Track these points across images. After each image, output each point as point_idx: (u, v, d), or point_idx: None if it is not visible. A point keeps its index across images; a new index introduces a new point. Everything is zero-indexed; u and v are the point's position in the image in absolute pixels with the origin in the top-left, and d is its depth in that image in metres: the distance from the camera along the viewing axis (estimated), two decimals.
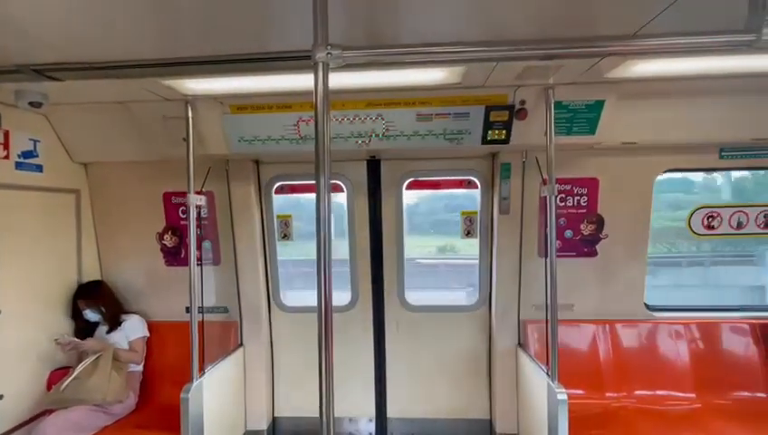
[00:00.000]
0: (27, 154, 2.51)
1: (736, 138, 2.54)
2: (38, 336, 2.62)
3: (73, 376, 2.49)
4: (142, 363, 2.88)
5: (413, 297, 3.16)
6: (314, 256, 1.11)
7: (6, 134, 2.37)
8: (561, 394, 2.11)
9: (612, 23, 1.50)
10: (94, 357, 2.59)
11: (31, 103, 2.16)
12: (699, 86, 2.25)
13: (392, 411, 3.21)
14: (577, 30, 1.56)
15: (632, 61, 1.84)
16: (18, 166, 2.46)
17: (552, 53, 1.46)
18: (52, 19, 1.41)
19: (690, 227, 2.88)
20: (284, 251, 3.26)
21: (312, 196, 3.30)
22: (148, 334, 2.93)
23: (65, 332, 2.73)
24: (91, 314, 2.79)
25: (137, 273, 3.11)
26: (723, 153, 2.72)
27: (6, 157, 2.38)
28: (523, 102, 2.33)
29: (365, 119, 2.41)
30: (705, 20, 1.43)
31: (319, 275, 1.11)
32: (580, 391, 2.70)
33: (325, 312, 1.11)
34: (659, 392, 2.71)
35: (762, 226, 2.83)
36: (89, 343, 2.64)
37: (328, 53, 1.06)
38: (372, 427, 3.22)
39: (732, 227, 2.85)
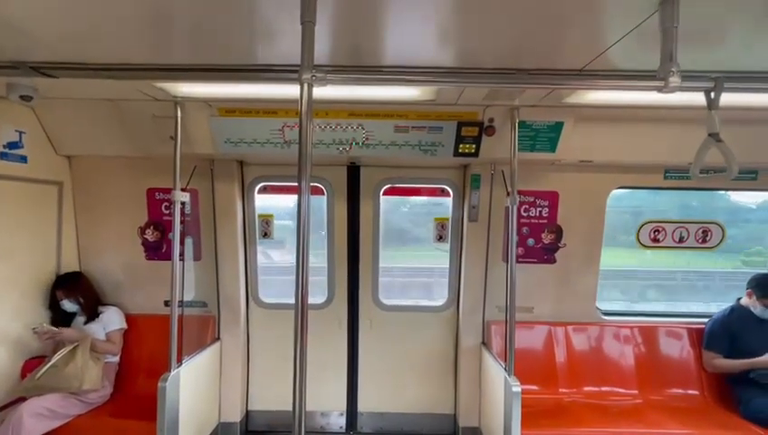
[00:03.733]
0: (12, 145, 2.56)
1: (677, 161, 2.85)
2: (14, 325, 2.64)
3: (50, 364, 2.53)
4: (119, 355, 2.93)
5: (386, 298, 3.34)
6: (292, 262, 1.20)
7: None
8: (516, 387, 2.32)
9: (564, 59, 1.74)
10: (71, 347, 2.63)
11: (22, 97, 2.21)
12: (642, 114, 2.52)
13: (363, 406, 3.36)
14: (536, 61, 1.79)
15: (582, 90, 2.10)
16: (2, 156, 2.50)
17: (510, 81, 1.68)
18: (50, 18, 1.48)
19: (639, 239, 3.19)
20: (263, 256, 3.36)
21: (293, 197, 3.46)
22: (125, 326, 2.98)
23: (42, 321, 2.76)
24: (68, 305, 2.83)
25: (116, 266, 3.16)
26: (667, 174, 3.04)
27: None
28: (491, 120, 2.56)
29: (346, 127, 2.58)
30: (635, 61, 1.68)
31: (297, 272, 1.23)
32: (535, 387, 2.93)
33: (302, 308, 1.22)
34: (605, 389, 2.98)
35: (700, 241, 3.16)
36: (66, 332, 2.69)
37: (313, 75, 1.23)
38: (343, 421, 3.36)
39: (674, 241, 3.17)
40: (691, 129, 2.62)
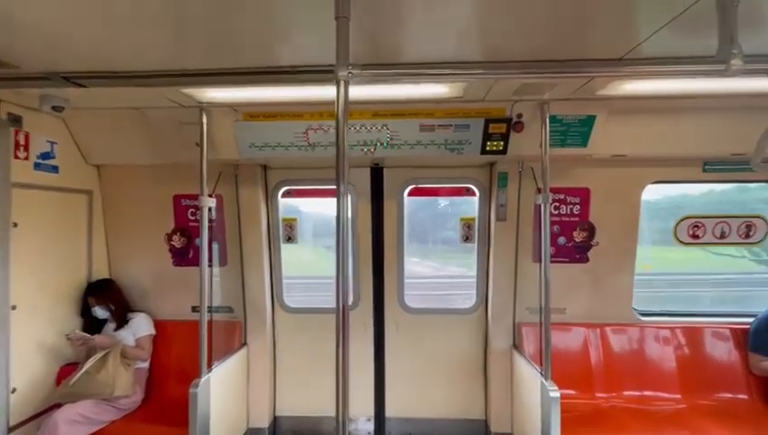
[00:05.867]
0: (45, 155, 2.61)
1: (717, 152, 2.71)
2: (49, 332, 2.69)
3: (83, 370, 2.56)
4: (149, 360, 2.96)
5: (412, 301, 3.28)
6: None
7: (27, 136, 2.47)
8: (554, 392, 2.22)
9: (602, 47, 1.66)
10: (103, 353, 2.66)
11: (54, 107, 2.27)
12: (683, 104, 2.41)
13: (390, 411, 3.30)
14: (570, 52, 1.71)
15: (620, 81, 2.00)
16: (36, 166, 2.56)
17: (544, 74, 1.61)
18: (80, 28, 1.51)
19: (676, 236, 3.04)
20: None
21: (316, 200, 3.44)
22: (154, 332, 3.01)
23: (74, 328, 2.81)
24: (99, 312, 2.87)
25: (145, 272, 3.19)
26: (706, 167, 2.89)
27: (26, 158, 2.47)
28: (520, 116, 2.48)
29: (371, 128, 2.55)
30: (684, 46, 1.59)
31: (337, 276, 1.20)
32: (571, 392, 2.82)
33: (343, 312, 1.18)
34: (647, 393, 2.84)
35: (743, 236, 3.00)
36: (98, 339, 2.72)
37: (349, 72, 1.19)
38: (371, 426, 3.30)
39: (715, 237, 3.02)
40: (733, 117, 2.51)
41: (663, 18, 1.38)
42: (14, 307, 2.41)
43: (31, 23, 1.44)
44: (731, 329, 2.93)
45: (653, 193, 3.03)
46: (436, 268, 4.85)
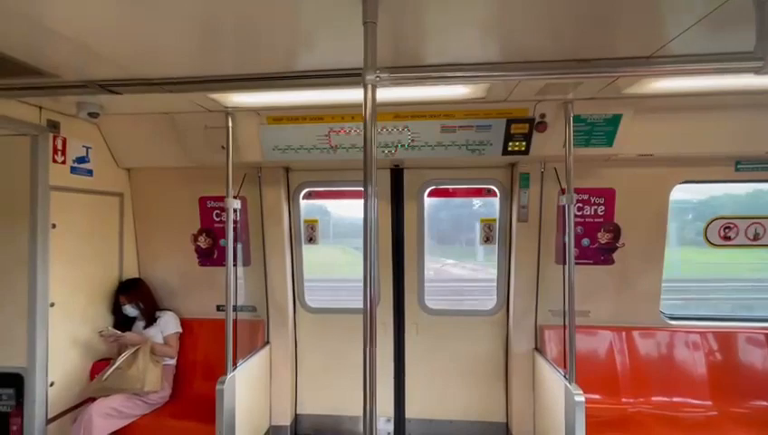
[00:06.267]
0: (80, 159, 2.73)
1: (751, 151, 2.61)
2: (83, 328, 2.81)
3: (115, 366, 2.67)
4: (176, 357, 3.05)
5: (432, 301, 3.27)
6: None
7: (64, 141, 2.59)
8: (579, 396, 2.19)
9: (629, 45, 1.63)
10: (134, 349, 2.77)
11: (90, 114, 2.37)
12: (714, 101, 2.33)
13: (410, 412, 3.30)
14: (595, 51, 1.68)
15: (648, 79, 1.96)
16: (72, 170, 2.68)
17: (569, 74, 1.59)
18: (115, 38, 1.58)
19: (706, 237, 2.95)
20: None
21: (338, 202, 3.47)
22: (180, 330, 3.10)
23: (107, 325, 2.92)
24: (130, 310, 2.98)
25: (172, 272, 3.30)
26: (739, 166, 2.79)
27: (63, 162, 2.59)
28: (543, 116, 2.45)
29: (392, 130, 2.56)
30: (717, 43, 1.54)
31: (365, 276, 1.21)
32: (596, 396, 2.76)
33: (370, 310, 1.20)
34: (676, 399, 2.76)
35: None
36: (129, 336, 2.83)
37: (377, 76, 1.21)
38: (391, 427, 3.31)
39: (748, 239, 2.91)
40: (764, 114, 2.42)
41: (694, 16, 1.35)
42: (52, 304, 2.53)
43: (71, 36, 1.52)
44: (765, 334, 2.82)
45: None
46: (476, 270, 4.69)
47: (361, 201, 1.23)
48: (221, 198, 2.54)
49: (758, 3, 1.13)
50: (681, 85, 2.04)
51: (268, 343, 3.21)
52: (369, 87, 1.22)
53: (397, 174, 3.20)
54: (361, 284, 1.21)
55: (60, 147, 2.57)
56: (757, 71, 1.18)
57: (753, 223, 2.89)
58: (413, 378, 3.29)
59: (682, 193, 2.95)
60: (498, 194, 3.14)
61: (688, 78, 1.93)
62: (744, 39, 1.21)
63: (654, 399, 2.76)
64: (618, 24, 1.45)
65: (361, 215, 1.22)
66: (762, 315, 2.99)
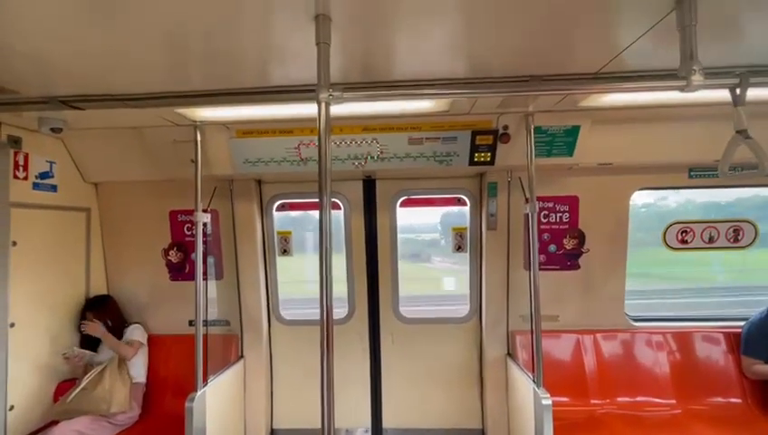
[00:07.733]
0: (44, 175, 2.67)
1: (702, 159, 2.76)
2: (47, 349, 2.72)
3: (81, 387, 2.59)
4: (145, 375, 2.97)
5: (407, 310, 3.31)
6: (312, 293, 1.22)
7: (26, 157, 2.53)
8: (546, 399, 2.24)
9: (577, 63, 1.72)
10: (100, 368, 2.69)
11: (52, 129, 2.33)
12: (666, 113, 2.47)
13: (388, 422, 3.30)
14: (549, 67, 1.78)
15: (597, 94, 2.07)
16: (35, 186, 2.61)
17: (523, 91, 1.67)
18: (78, 60, 1.58)
19: (665, 241, 3.08)
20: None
21: (311, 213, 3.48)
22: (144, 342, 3.00)
23: (73, 344, 2.84)
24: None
25: (142, 287, 3.23)
26: (692, 173, 2.95)
27: (25, 178, 2.53)
28: (506, 127, 2.54)
29: (361, 142, 2.61)
30: (655, 61, 1.65)
31: (321, 287, 1.24)
32: (565, 399, 2.83)
33: (327, 322, 1.22)
34: (641, 399, 2.85)
35: (731, 240, 3.04)
36: (109, 341, 2.78)
37: (330, 94, 1.25)
38: None
39: (704, 242, 3.06)
40: (716, 125, 2.56)
41: (631, 36, 1.45)
42: (12, 325, 2.45)
43: (30, 53, 1.51)
44: (724, 333, 2.95)
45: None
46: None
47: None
48: (192, 212, 2.53)
49: (681, 27, 1.23)
50: (627, 99, 2.16)
51: (242, 357, 3.17)
52: (323, 104, 1.26)
53: (369, 185, 3.24)
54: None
55: (21, 162, 2.51)
56: (682, 89, 1.27)
57: (707, 227, 3.04)
58: (390, 387, 3.30)
59: (681, 197, 3.03)
60: (468, 203, 3.22)
61: (630, 93, 2.05)
62: (673, 59, 1.30)
63: (620, 399, 2.85)
64: (566, 42, 1.53)
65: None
66: (719, 315, 3.14)
